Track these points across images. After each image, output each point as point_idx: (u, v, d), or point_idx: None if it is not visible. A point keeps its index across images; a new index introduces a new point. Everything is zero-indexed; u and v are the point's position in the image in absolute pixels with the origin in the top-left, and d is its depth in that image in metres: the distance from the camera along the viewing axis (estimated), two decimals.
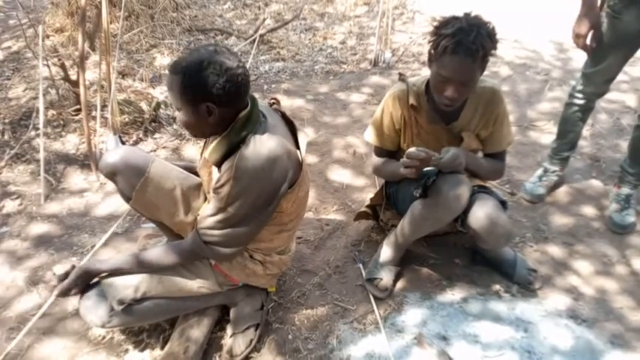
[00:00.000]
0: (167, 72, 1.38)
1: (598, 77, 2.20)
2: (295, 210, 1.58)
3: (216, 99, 1.33)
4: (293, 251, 1.82)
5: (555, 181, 2.48)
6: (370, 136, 1.92)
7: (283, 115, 1.59)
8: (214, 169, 1.52)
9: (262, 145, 1.38)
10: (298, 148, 1.54)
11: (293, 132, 1.57)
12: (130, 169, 1.65)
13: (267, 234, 1.58)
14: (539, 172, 2.50)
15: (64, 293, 1.56)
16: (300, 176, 1.50)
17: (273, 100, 1.63)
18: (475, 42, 1.50)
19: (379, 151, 1.95)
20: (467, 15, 1.57)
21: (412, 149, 1.60)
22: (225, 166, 1.40)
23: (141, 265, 1.56)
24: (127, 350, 1.70)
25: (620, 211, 2.27)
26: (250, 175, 1.37)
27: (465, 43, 1.49)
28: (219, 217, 1.43)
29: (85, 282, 1.59)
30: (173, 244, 1.59)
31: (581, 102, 2.30)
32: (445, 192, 1.63)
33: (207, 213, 1.46)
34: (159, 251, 1.56)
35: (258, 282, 1.71)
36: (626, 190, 2.32)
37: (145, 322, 1.70)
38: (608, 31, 2.04)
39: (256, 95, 3.35)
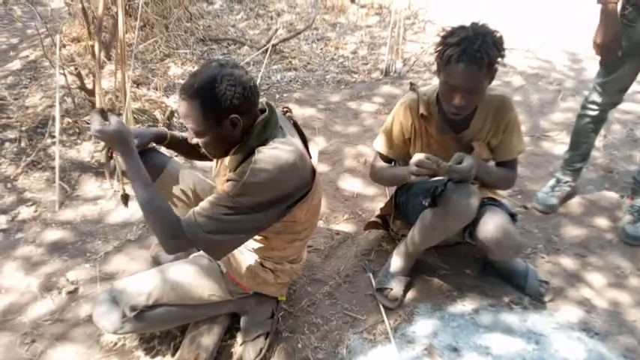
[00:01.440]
0: (180, 100, 1.36)
1: (611, 87, 2.18)
2: (309, 219, 1.59)
3: (238, 109, 1.34)
4: (304, 260, 1.82)
5: (568, 191, 2.45)
6: (379, 144, 1.93)
7: (295, 124, 1.61)
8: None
9: (282, 149, 1.38)
10: (310, 156, 1.55)
11: (304, 141, 1.59)
12: (149, 167, 1.67)
13: (280, 242, 1.59)
14: (552, 182, 2.48)
15: (99, 134, 1.41)
16: (314, 185, 1.51)
17: (285, 109, 1.63)
18: (480, 50, 1.51)
19: (384, 159, 1.96)
20: (474, 24, 1.58)
21: (421, 156, 1.61)
22: (242, 165, 1.38)
23: (142, 188, 1.41)
24: (138, 357, 1.71)
25: (633, 222, 2.24)
26: (267, 175, 1.33)
27: (469, 51, 1.51)
28: (220, 199, 1.36)
29: (115, 139, 1.42)
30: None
31: (594, 113, 2.28)
32: (454, 201, 1.63)
33: (210, 197, 1.40)
34: (159, 200, 1.43)
35: (269, 290, 1.72)
36: (639, 201, 2.29)
37: (156, 328, 1.71)
38: (622, 40, 2.03)
39: None
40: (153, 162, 1.72)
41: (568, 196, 2.48)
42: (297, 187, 1.43)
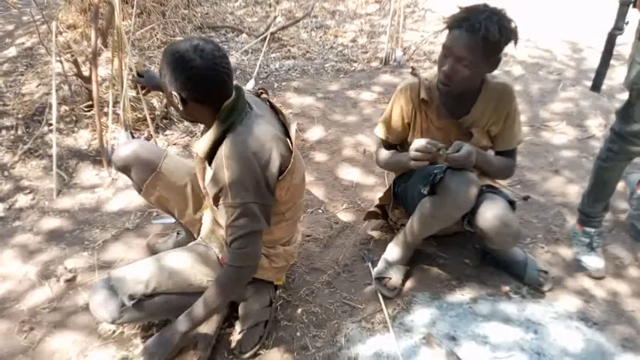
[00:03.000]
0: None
1: (637, 114, 1.80)
2: (291, 198, 1.58)
3: (183, 88, 1.38)
4: (299, 242, 1.81)
5: (602, 242, 2.12)
6: (380, 129, 1.94)
7: (272, 105, 1.61)
8: (208, 166, 1.52)
9: (248, 132, 1.41)
10: (288, 136, 1.55)
11: (283, 122, 1.60)
12: (143, 163, 1.70)
13: None
14: (583, 239, 2.09)
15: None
16: (292, 163, 1.50)
17: (261, 90, 1.64)
18: (481, 22, 1.53)
19: (385, 144, 1.96)
20: (491, 6, 1.59)
21: (421, 141, 1.62)
22: (215, 160, 1.43)
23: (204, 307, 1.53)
24: (136, 345, 1.71)
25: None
26: (240, 160, 1.38)
27: (471, 20, 1.55)
28: (235, 216, 1.42)
29: None
30: (215, 280, 1.54)
31: (622, 163, 1.92)
32: (453, 189, 1.62)
33: (226, 224, 1.45)
34: (208, 294, 1.52)
35: (265, 275, 1.71)
36: None
37: (155, 317, 1.71)
38: None
39: None
40: (147, 158, 1.72)
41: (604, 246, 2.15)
42: (273, 164, 1.45)
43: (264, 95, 1.63)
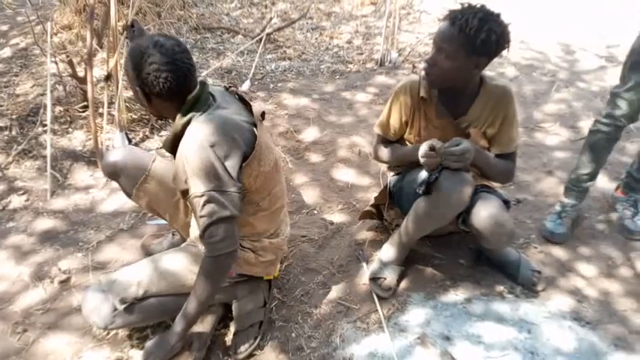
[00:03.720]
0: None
1: (633, 97, 2.01)
2: (263, 186, 1.57)
3: (145, 87, 1.42)
4: (287, 235, 1.79)
5: (575, 216, 2.28)
6: (378, 125, 1.95)
7: (242, 99, 1.62)
8: (173, 160, 1.53)
9: (207, 122, 1.42)
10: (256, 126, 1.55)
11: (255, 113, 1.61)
12: (132, 168, 1.71)
13: (242, 216, 1.56)
14: (557, 207, 2.29)
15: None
16: (256, 150, 1.50)
17: (229, 85, 1.65)
18: (464, 15, 1.57)
19: (383, 140, 1.98)
20: (490, 8, 1.62)
21: (423, 147, 1.65)
22: (177, 154, 1.46)
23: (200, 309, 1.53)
24: (131, 346, 1.71)
25: (632, 217, 2.24)
26: (198, 150, 1.39)
27: (455, 14, 1.59)
28: (200, 206, 1.41)
29: None
30: (197, 275, 1.52)
31: (608, 129, 2.12)
32: (448, 188, 1.63)
33: (196, 217, 1.46)
34: (194, 290, 1.51)
35: (253, 271, 1.70)
36: (635, 195, 2.30)
37: (148, 321, 1.69)
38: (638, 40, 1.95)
39: (261, 94, 3.37)
40: (135, 164, 1.72)
41: (576, 221, 2.30)
42: (235, 150, 1.44)
43: (232, 89, 1.64)
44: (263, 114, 1.63)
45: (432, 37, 1.69)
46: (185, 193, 1.47)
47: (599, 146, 2.18)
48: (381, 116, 1.95)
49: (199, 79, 1.50)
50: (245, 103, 1.61)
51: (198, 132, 1.41)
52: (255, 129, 1.54)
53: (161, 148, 2.64)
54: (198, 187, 1.40)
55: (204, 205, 1.40)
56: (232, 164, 1.43)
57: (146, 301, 1.57)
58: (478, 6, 1.61)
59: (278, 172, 1.66)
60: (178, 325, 1.54)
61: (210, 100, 1.50)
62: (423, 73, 1.76)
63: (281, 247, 1.75)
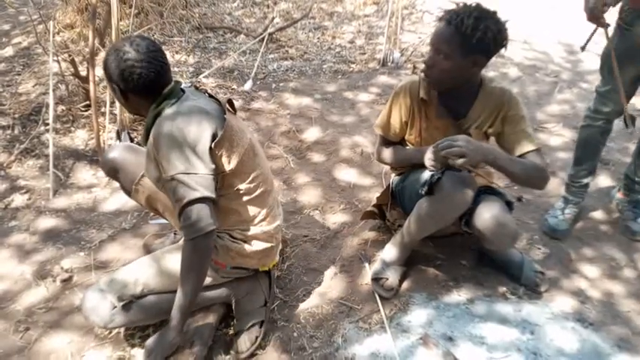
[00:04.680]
0: None
1: (613, 95, 2.07)
2: (240, 168, 1.56)
3: (121, 83, 1.48)
4: (279, 224, 1.76)
5: (577, 212, 2.30)
6: (379, 126, 1.95)
7: (210, 95, 1.66)
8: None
9: (174, 111, 1.49)
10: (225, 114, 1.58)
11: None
12: (131, 165, 1.72)
13: (225, 201, 1.57)
14: (559, 203, 2.32)
15: None
16: (227, 131, 1.52)
17: (197, 83, 1.70)
18: (460, 16, 1.57)
19: (385, 141, 1.98)
20: (486, 7, 1.62)
21: (428, 153, 1.65)
22: (148, 141, 1.52)
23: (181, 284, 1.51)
24: (133, 345, 1.70)
25: (635, 219, 2.23)
26: (165, 136, 1.44)
27: (451, 14, 1.60)
28: (172, 191, 1.44)
29: None
30: (180, 262, 1.52)
31: (599, 123, 2.17)
32: (450, 189, 1.62)
33: (172, 203, 1.49)
34: (180, 278, 1.50)
35: (248, 263, 1.68)
36: (635, 197, 2.29)
37: (148, 320, 1.68)
38: (619, 44, 1.97)
39: (263, 94, 3.37)
40: (134, 160, 1.75)
41: (578, 217, 2.32)
42: (204, 132, 1.47)
43: (202, 87, 1.72)
44: (230, 101, 1.67)
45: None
46: (157, 181, 1.52)
47: (592, 140, 2.22)
48: (381, 117, 1.94)
49: (192, 79, 1.56)
50: (213, 98, 1.67)
51: (167, 119, 1.47)
52: (224, 116, 1.57)
53: None
54: (167, 172, 1.44)
55: (175, 189, 1.43)
56: (201, 146, 1.46)
57: (145, 298, 1.57)
58: (473, 5, 1.61)
59: (257, 156, 1.66)
60: (174, 319, 1.53)
61: (180, 94, 1.56)
62: (422, 74, 1.76)
63: (273, 235, 1.72)
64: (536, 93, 3.51)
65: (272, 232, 1.71)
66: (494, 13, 1.61)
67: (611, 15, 1.96)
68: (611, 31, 1.97)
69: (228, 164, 1.53)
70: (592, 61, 2.22)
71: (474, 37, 1.56)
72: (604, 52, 2.08)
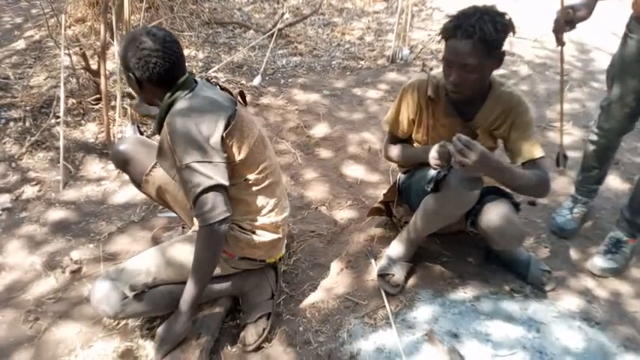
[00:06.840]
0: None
1: (615, 110, 2.00)
2: (249, 159, 1.58)
3: (137, 72, 1.49)
4: (287, 215, 1.77)
5: (586, 212, 2.28)
6: (387, 124, 1.95)
7: (222, 87, 1.68)
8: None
9: (187, 101, 1.51)
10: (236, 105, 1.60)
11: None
12: (141, 156, 1.73)
13: (234, 191, 1.58)
14: (568, 202, 2.29)
15: None
16: (238, 121, 1.55)
17: (209, 76, 1.70)
18: (474, 25, 1.52)
19: (392, 138, 1.97)
20: (481, 6, 1.58)
21: (432, 152, 1.65)
22: (162, 129, 1.53)
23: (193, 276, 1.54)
24: (141, 336, 1.72)
25: (604, 254, 2.04)
26: (179, 125, 1.45)
27: (463, 26, 1.53)
28: (185, 179, 1.45)
29: None
30: (194, 249, 1.54)
31: (600, 140, 2.11)
32: (455, 186, 1.62)
33: (187, 190, 1.48)
34: (193, 264, 1.53)
35: (256, 254, 1.70)
36: (618, 234, 2.09)
37: (158, 311, 1.68)
38: (624, 54, 1.93)
39: (272, 89, 3.38)
40: (144, 152, 1.77)
41: (586, 217, 2.29)
42: (216, 122, 1.50)
43: (213, 80, 1.72)
44: (242, 93, 1.70)
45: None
46: (170, 168, 1.54)
47: (597, 156, 2.18)
48: (389, 114, 1.94)
49: (202, 73, 1.56)
50: (225, 90, 1.68)
51: (182, 109, 1.48)
52: (235, 106, 1.59)
53: None
54: (181, 161, 1.45)
55: (188, 177, 1.45)
56: (215, 136, 1.48)
57: (155, 289, 1.58)
58: (472, 9, 1.57)
59: (266, 148, 1.68)
60: (184, 305, 1.55)
61: (193, 85, 1.58)
62: (430, 73, 1.73)
63: (280, 226, 1.73)
64: (546, 91, 3.49)
65: (280, 224, 1.72)
66: (494, 6, 1.59)
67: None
68: (601, 45, 1.95)
69: (239, 154, 1.55)
70: (603, 60, 2.20)
71: (497, 40, 1.55)
72: (609, 65, 2.04)
